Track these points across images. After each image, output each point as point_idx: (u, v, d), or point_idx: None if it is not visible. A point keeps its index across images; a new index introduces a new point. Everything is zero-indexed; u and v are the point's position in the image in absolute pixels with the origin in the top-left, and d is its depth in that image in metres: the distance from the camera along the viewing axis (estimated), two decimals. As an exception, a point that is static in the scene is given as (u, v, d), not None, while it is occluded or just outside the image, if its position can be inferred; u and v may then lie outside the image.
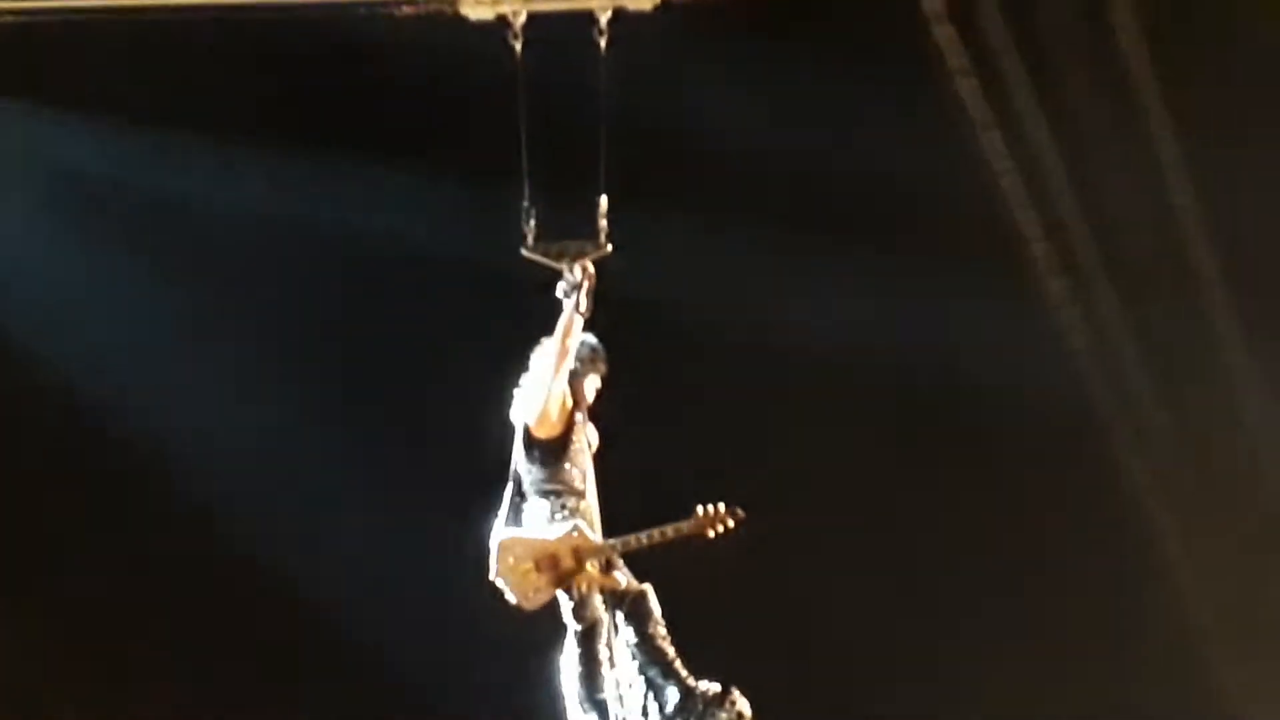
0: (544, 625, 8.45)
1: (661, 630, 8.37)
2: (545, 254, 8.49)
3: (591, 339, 8.51)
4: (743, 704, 8.27)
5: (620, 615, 8.35)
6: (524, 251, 8.60)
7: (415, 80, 11.45)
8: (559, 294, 8.35)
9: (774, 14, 11.22)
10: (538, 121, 8.88)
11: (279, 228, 11.91)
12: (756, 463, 11.72)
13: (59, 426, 12.13)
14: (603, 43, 8.91)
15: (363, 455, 12.09)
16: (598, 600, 8.31)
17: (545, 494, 8.41)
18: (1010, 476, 12.05)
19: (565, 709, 8.33)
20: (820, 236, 11.83)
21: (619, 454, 8.77)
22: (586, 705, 8.27)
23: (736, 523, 8.36)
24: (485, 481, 8.65)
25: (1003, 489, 12.03)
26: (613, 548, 8.36)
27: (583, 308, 8.24)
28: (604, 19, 8.90)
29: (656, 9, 9.00)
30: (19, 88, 11.51)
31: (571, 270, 8.33)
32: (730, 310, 12.03)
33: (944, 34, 11.44)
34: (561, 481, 8.41)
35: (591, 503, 8.46)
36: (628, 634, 8.35)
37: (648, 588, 8.41)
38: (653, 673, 8.31)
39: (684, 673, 8.32)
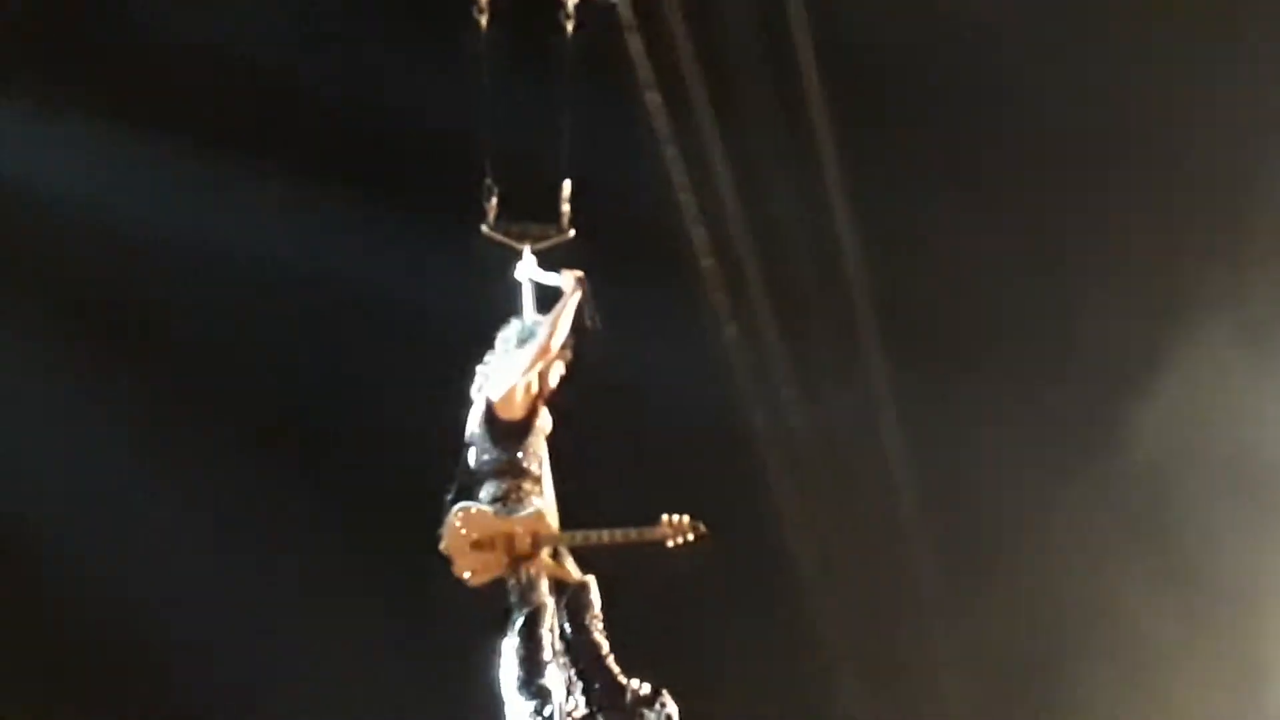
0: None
1: (599, 624, 8.34)
2: (506, 234, 8.68)
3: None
4: (672, 707, 8.25)
5: (560, 604, 8.29)
6: (484, 229, 8.76)
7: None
8: (518, 276, 8.54)
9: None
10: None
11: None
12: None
13: None
14: (569, 25, 9.19)
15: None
16: (544, 586, 8.25)
17: (500, 474, 8.37)
18: (663, 480, 12.37)
19: (503, 695, 8.20)
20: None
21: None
22: (526, 691, 8.15)
23: (698, 537, 8.41)
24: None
25: (659, 489, 12.32)
26: (571, 538, 8.34)
27: (589, 319, 8.34)
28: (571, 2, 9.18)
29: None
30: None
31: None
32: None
33: (635, 46, 11.79)
34: (517, 464, 8.38)
35: (547, 488, 8.44)
36: (564, 624, 8.28)
37: (590, 580, 8.38)
38: (584, 664, 8.25)
39: (616, 669, 8.29)
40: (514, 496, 8.35)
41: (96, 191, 11.58)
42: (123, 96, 11.42)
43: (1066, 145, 12.07)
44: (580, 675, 8.25)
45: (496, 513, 8.30)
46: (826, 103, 12.19)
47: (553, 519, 8.40)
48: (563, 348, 8.44)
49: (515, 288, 8.79)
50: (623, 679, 8.27)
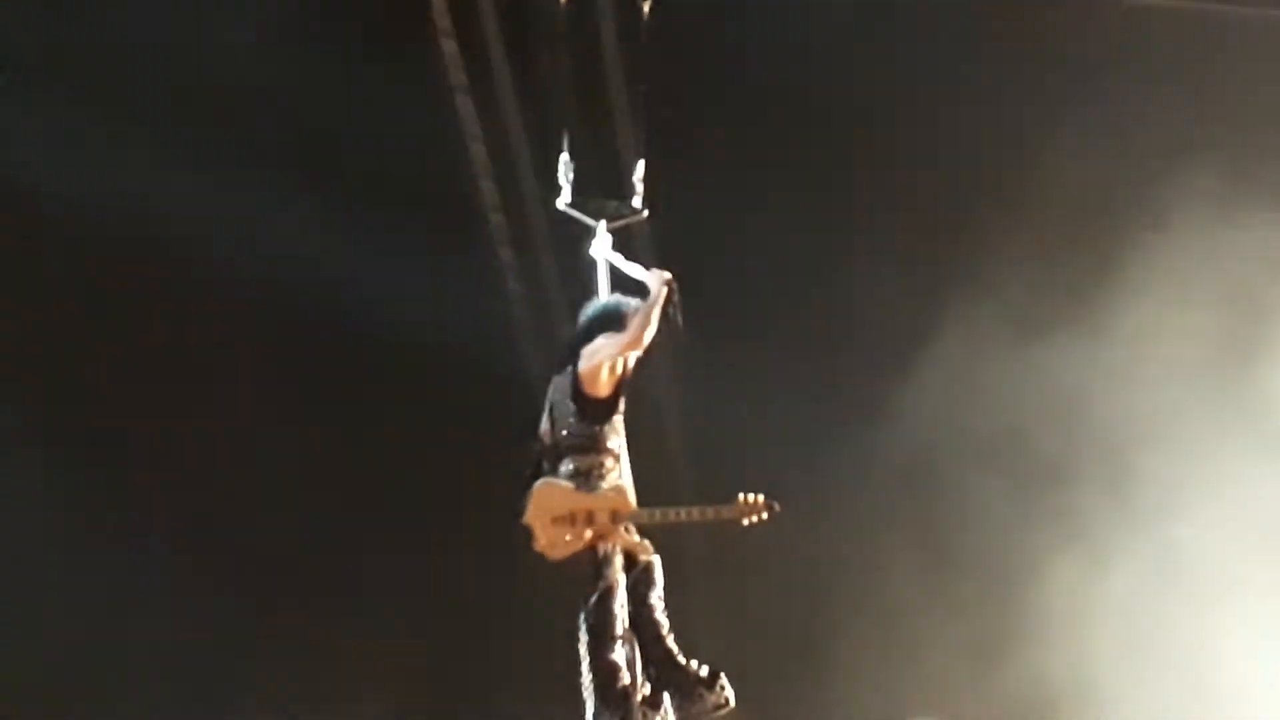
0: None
1: (661, 603, 8.48)
2: (583, 210, 8.86)
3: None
4: (729, 690, 8.42)
5: (629, 581, 8.41)
6: (560, 205, 8.94)
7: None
8: (592, 253, 8.81)
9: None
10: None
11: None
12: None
13: None
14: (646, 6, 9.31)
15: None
16: (619, 563, 8.38)
17: (584, 450, 8.49)
18: (442, 429, 12.48)
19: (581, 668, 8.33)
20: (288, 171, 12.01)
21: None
22: (596, 665, 8.31)
23: (771, 515, 8.56)
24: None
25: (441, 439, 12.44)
26: (650, 515, 8.44)
27: (677, 319, 8.46)
28: None
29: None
30: None
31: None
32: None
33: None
34: (601, 441, 8.51)
35: (625, 466, 8.56)
36: (628, 601, 8.40)
37: (656, 559, 8.51)
38: (646, 642, 8.39)
39: (675, 648, 8.44)
40: (595, 474, 8.50)
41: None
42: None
43: (859, 137, 12.30)
44: (642, 652, 8.43)
45: (578, 488, 8.45)
46: (625, 65, 12.26)
47: (631, 497, 8.54)
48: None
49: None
50: (682, 658, 8.48)
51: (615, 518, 8.41)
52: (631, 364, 8.63)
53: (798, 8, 12.07)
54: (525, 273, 12.81)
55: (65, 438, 11.85)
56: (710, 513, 8.55)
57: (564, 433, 8.56)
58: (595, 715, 8.31)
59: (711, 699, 8.40)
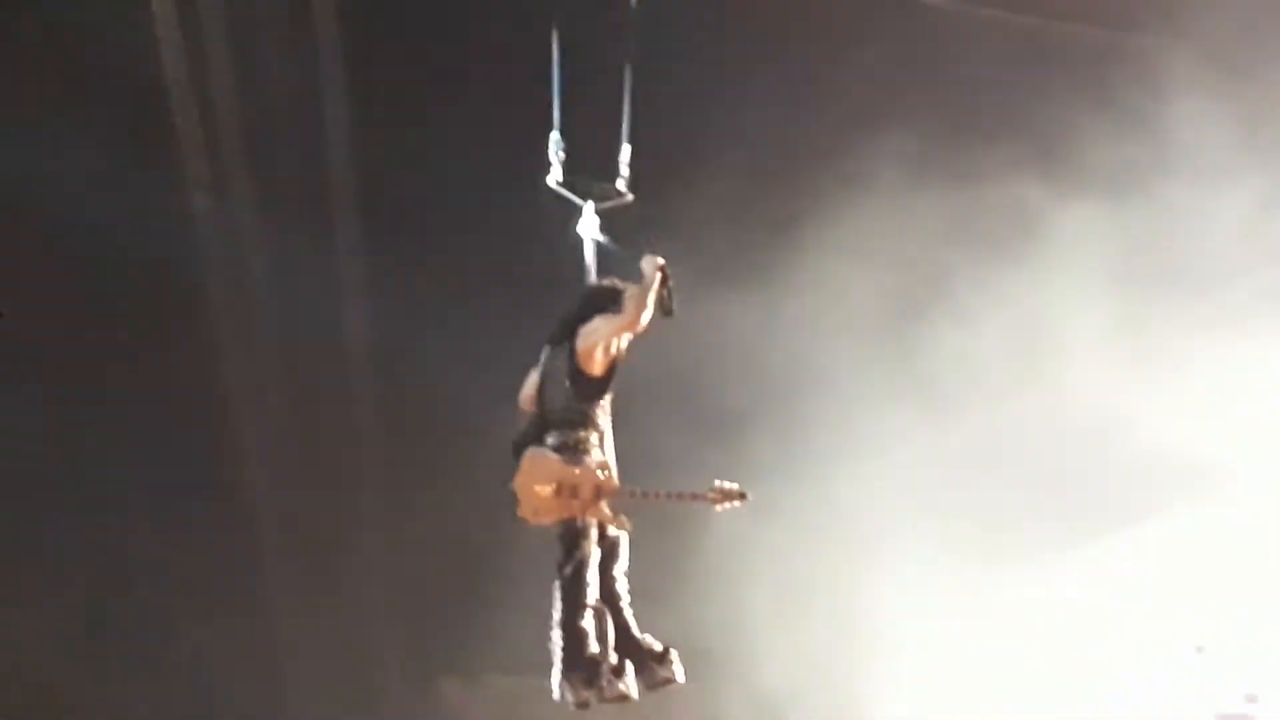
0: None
1: (623, 577, 8.72)
2: (571, 189, 8.91)
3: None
4: (679, 667, 8.70)
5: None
6: (550, 183, 8.98)
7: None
8: (579, 232, 8.90)
9: None
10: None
11: None
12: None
13: None
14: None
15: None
16: (594, 535, 8.58)
17: (572, 424, 8.64)
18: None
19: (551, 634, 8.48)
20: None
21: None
22: (565, 631, 8.48)
23: (741, 502, 8.71)
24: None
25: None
26: (631, 493, 8.60)
27: (669, 305, 8.60)
28: None
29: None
30: None
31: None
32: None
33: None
34: (590, 417, 8.67)
35: (608, 443, 8.75)
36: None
37: (626, 533, 8.68)
38: (607, 610, 8.59)
39: (632, 621, 8.66)
40: (581, 447, 8.65)
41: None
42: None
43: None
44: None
45: (564, 460, 8.58)
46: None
47: (614, 473, 8.71)
48: None
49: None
50: (637, 631, 8.73)
51: (599, 493, 8.64)
52: (625, 345, 8.86)
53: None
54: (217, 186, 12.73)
55: None
56: (687, 495, 8.80)
57: (558, 405, 8.77)
58: (562, 679, 8.56)
59: (661, 673, 8.72)
